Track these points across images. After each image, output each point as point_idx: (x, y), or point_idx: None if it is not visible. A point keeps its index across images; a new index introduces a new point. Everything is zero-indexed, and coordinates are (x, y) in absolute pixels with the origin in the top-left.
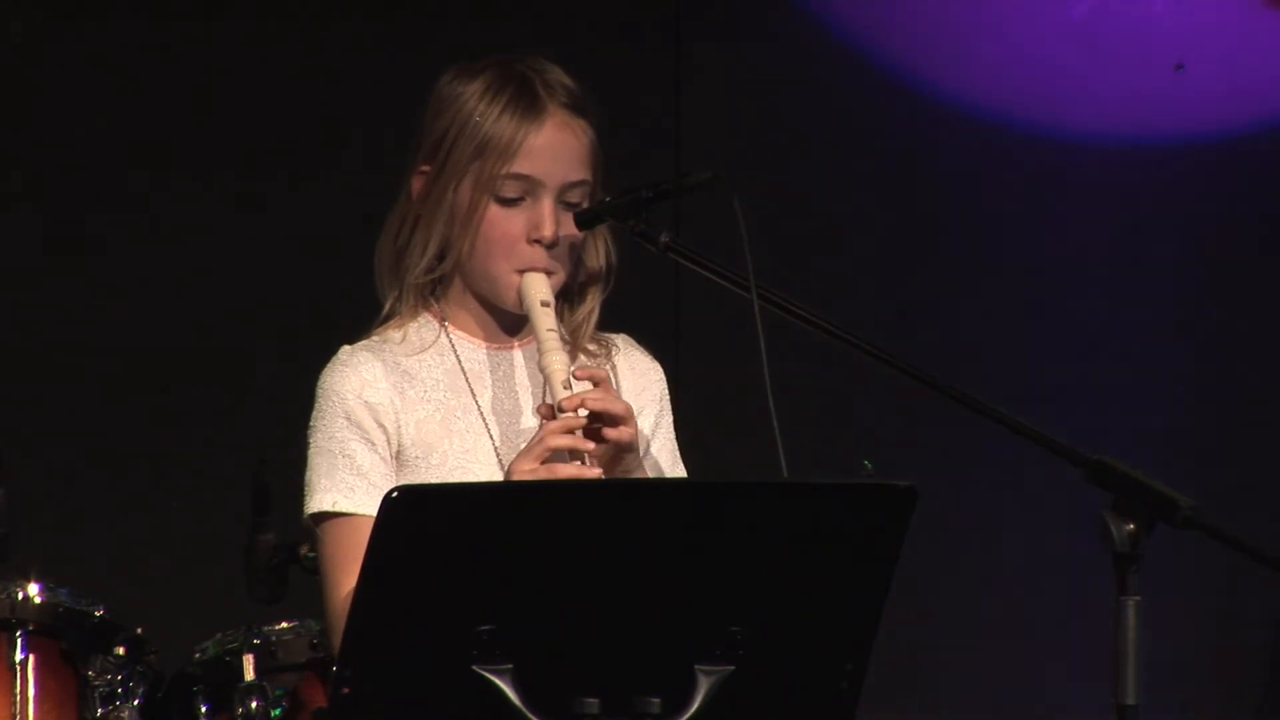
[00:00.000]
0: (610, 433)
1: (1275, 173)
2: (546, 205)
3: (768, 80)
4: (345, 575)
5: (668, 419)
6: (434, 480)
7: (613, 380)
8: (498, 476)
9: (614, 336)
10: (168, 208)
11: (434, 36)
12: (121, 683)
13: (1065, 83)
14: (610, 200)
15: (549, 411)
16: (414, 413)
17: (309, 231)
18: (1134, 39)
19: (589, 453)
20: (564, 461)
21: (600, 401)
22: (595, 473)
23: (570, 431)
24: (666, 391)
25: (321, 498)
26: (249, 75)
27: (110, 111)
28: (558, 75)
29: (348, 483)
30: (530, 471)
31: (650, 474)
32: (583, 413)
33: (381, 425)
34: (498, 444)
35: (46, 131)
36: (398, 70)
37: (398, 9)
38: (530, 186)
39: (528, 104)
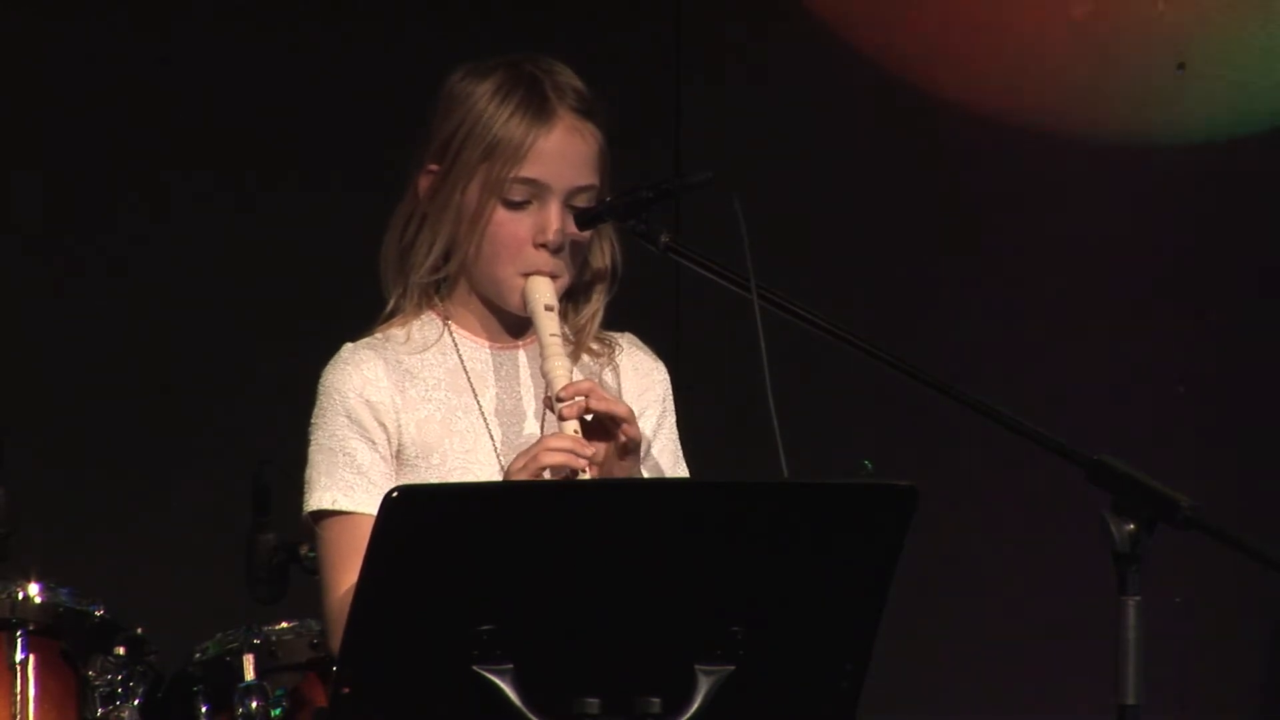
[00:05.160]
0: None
1: (1276, 173)
2: (553, 209)
3: (768, 79)
4: (344, 574)
5: (670, 420)
6: (434, 480)
7: (616, 380)
8: (498, 478)
9: (618, 336)
10: (168, 207)
11: (433, 34)
12: (121, 683)
13: (1065, 83)
14: (610, 200)
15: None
16: (415, 412)
17: (309, 230)
18: (1134, 39)
19: (590, 457)
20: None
21: (603, 404)
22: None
23: (566, 448)
24: (670, 392)
25: (321, 495)
26: (250, 74)
27: (111, 111)
28: (568, 78)
29: (347, 481)
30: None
31: (652, 475)
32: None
33: (382, 424)
34: (499, 445)
35: (47, 131)
36: (398, 66)
37: (398, 4)
38: (538, 190)
39: (538, 107)
